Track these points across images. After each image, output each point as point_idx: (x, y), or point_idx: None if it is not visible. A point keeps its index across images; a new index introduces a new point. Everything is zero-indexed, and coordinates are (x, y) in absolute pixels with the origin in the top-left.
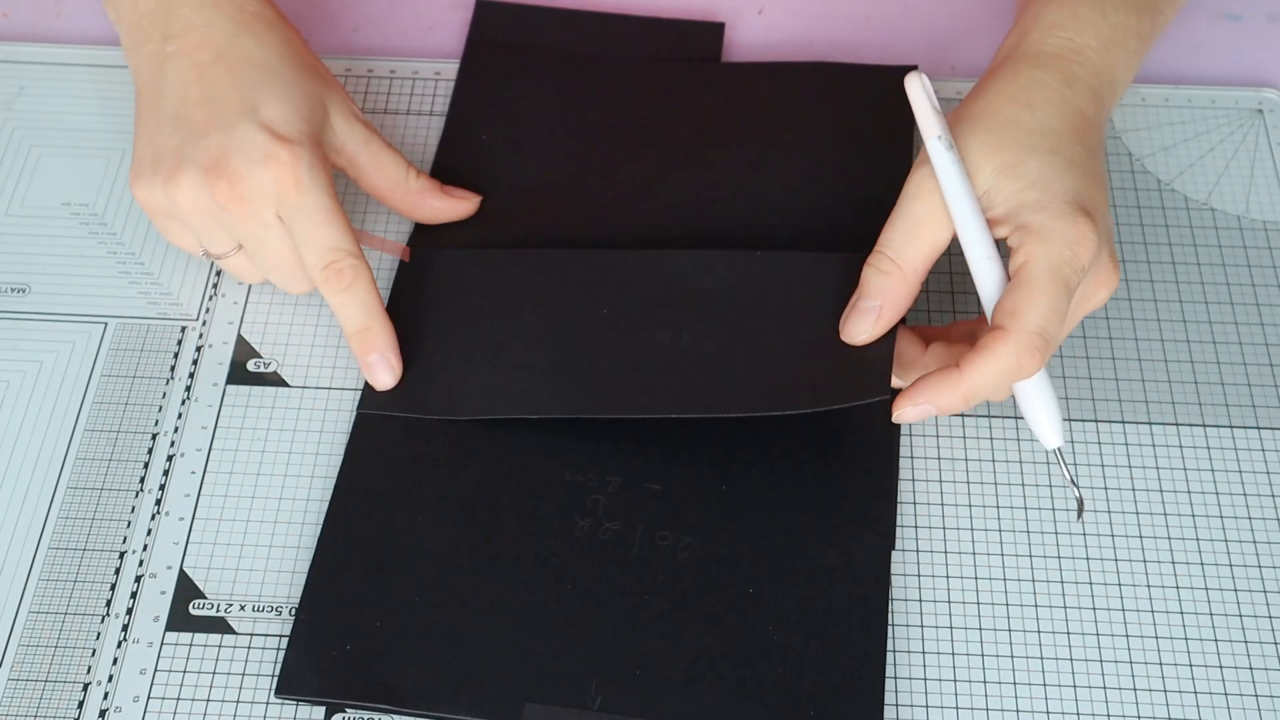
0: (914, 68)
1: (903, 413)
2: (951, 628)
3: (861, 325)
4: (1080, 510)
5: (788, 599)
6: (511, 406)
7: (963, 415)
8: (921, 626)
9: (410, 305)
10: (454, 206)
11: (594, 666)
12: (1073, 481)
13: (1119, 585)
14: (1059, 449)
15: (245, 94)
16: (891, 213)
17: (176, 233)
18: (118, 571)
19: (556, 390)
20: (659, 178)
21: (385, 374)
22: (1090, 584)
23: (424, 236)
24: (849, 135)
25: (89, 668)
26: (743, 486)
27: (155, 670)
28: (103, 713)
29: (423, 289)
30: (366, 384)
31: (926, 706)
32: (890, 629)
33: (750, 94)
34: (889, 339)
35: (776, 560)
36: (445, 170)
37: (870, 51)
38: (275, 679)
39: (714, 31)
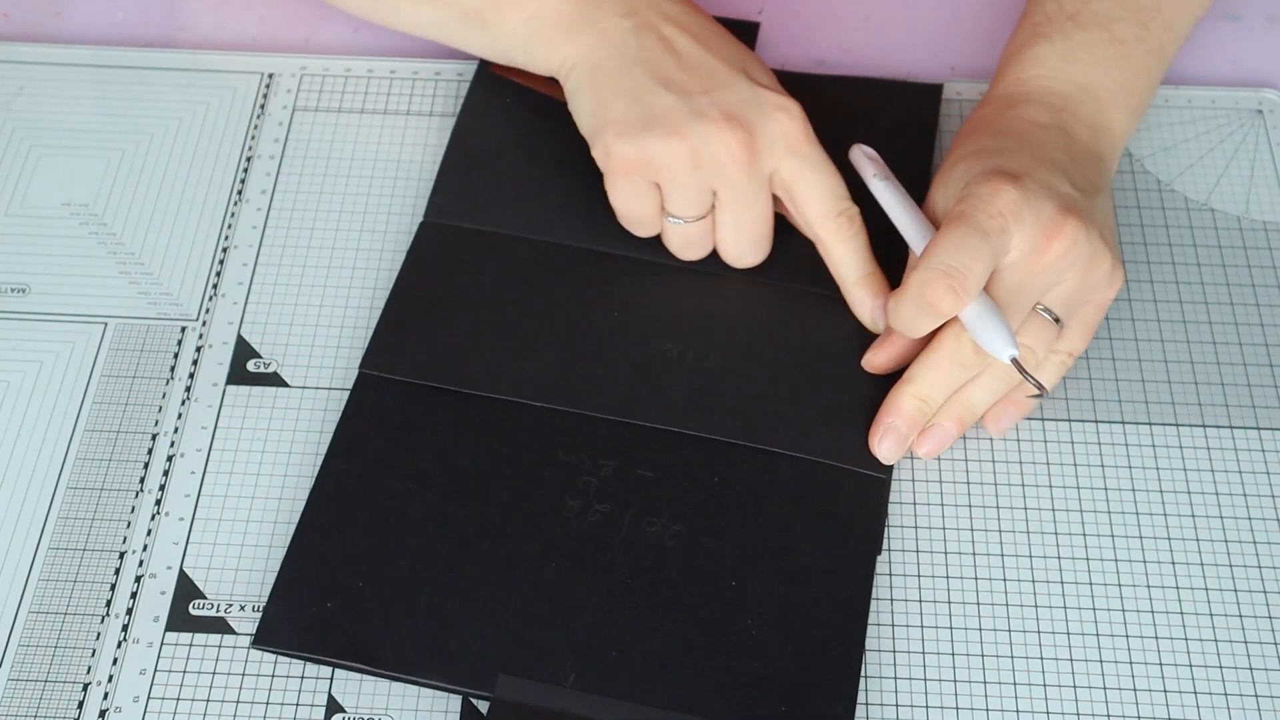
0: (939, 86)
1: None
2: (951, 628)
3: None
4: (1040, 393)
5: (769, 596)
6: (514, 389)
7: None
8: (921, 627)
9: (422, 274)
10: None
11: (571, 644)
12: (1029, 377)
13: (1119, 585)
14: (1013, 358)
15: (729, 59)
16: None
17: (639, 193)
18: (118, 572)
19: (560, 382)
20: None
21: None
22: (1090, 584)
23: (432, 215)
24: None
25: (89, 668)
26: (735, 480)
27: (155, 670)
28: (103, 713)
29: (437, 261)
30: (372, 342)
31: (926, 707)
32: (890, 629)
33: None
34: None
35: (761, 556)
36: (450, 183)
37: (870, 52)
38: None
39: None
